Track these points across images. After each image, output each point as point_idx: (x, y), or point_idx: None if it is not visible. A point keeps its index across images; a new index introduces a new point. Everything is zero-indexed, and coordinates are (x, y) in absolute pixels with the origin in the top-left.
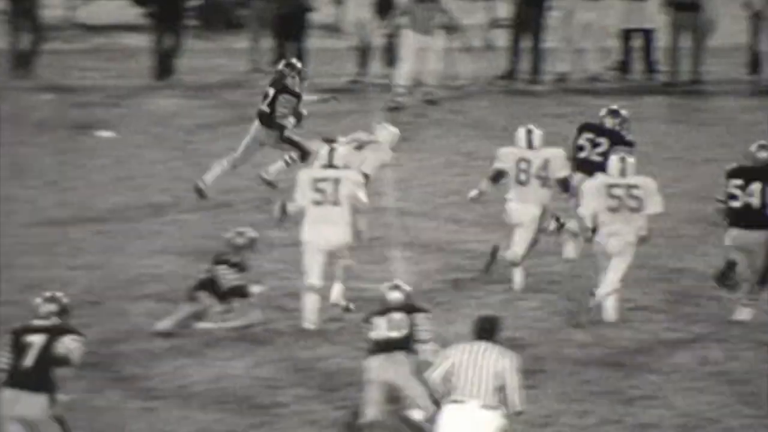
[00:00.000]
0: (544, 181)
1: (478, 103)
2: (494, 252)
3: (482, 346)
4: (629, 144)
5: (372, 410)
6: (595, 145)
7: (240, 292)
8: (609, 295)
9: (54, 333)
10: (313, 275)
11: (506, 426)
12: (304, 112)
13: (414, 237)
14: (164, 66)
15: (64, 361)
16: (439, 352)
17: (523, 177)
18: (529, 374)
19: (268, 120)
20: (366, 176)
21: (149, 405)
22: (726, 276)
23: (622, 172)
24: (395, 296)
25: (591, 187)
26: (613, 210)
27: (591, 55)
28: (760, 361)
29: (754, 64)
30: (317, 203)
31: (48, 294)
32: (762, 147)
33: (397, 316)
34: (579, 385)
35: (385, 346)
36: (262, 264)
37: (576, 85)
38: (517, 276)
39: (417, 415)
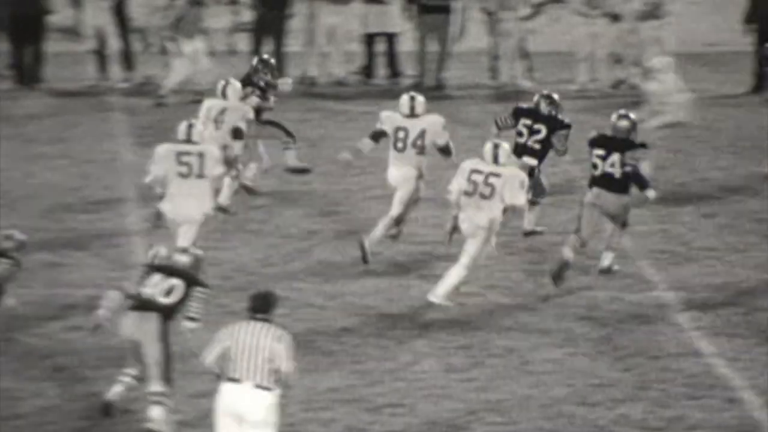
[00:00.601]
0: (420, 149)
1: None
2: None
3: (258, 326)
4: (568, 126)
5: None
6: (532, 132)
7: None
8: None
9: None
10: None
11: (277, 407)
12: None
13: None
14: None
15: None
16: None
17: (400, 145)
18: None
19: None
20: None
21: None
22: (560, 275)
23: (495, 159)
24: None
25: (460, 168)
26: (467, 194)
27: (335, 59)
28: (503, 368)
29: (495, 69)
30: (183, 176)
31: None
32: (622, 116)
33: (175, 281)
34: (324, 393)
35: (143, 305)
36: None
37: (321, 89)
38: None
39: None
